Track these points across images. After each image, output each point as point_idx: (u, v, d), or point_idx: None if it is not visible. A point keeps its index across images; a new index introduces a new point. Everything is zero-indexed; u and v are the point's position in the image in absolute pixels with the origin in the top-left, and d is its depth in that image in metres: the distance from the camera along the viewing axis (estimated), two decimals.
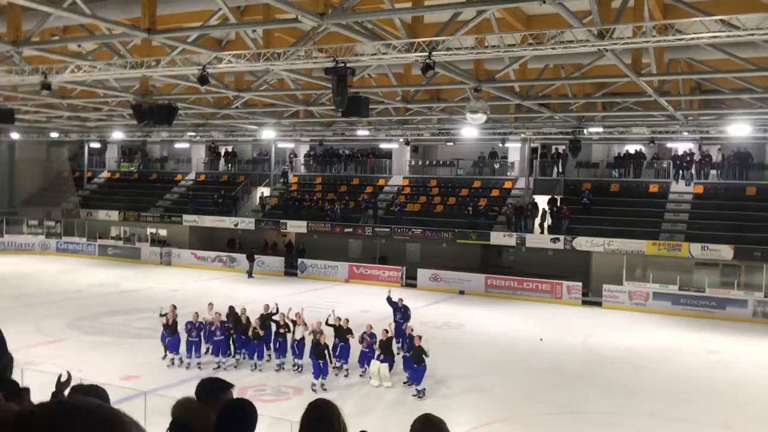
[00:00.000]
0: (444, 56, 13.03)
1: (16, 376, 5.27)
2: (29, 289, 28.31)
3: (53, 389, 4.92)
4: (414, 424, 3.28)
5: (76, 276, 32.88)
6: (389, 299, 19.84)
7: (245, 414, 3.39)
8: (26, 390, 4.38)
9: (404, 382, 16.06)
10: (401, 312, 19.50)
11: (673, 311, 27.10)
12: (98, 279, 31.90)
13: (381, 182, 38.45)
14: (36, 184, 45.99)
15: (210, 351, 17.72)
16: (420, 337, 15.81)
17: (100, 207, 41.93)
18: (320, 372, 15.93)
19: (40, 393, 5.20)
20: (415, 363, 15.56)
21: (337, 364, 16.86)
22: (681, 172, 31.99)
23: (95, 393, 3.93)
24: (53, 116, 29.16)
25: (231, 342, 17.60)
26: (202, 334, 17.44)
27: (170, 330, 17.24)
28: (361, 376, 16.74)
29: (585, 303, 28.96)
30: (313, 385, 15.85)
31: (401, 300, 19.91)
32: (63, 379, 4.90)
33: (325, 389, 15.68)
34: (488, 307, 27.73)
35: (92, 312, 23.98)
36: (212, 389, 3.80)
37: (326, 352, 16.10)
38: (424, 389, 15.44)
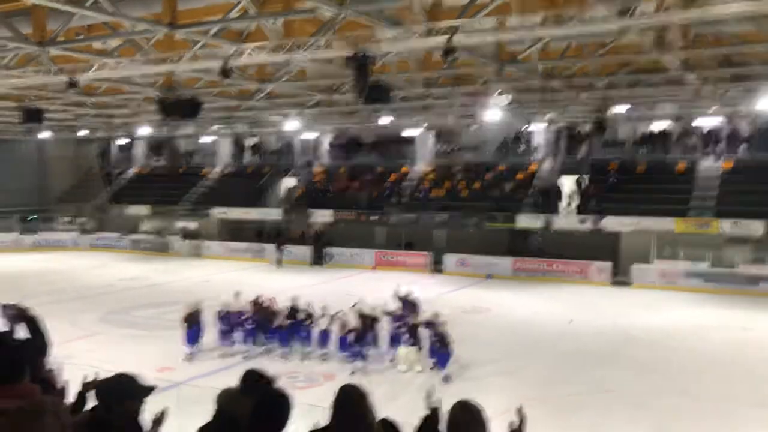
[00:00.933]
0: (465, 40, 12.96)
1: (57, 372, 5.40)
2: (63, 284, 28.87)
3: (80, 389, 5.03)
4: (452, 410, 3.33)
5: (109, 270, 33.45)
6: (398, 296, 18.94)
7: (281, 405, 3.46)
8: (62, 388, 4.50)
9: (430, 368, 16.11)
10: (410, 307, 18.51)
11: (705, 289, 26.80)
12: (130, 273, 32.42)
13: (405, 169, 38.41)
14: (67, 182, 46.80)
15: (240, 341, 17.97)
16: (445, 323, 15.84)
17: (130, 202, 42.57)
18: (357, 356, 16.23)
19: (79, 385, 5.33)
20: (441, 348, 15.62)
21: (363, 351, 16.96)
22: (709, 148, 31.50)
23: (120, 384, 4.00)
24: (81, 114, 29.55)
25: (259, 332, 17.84)
26: (232, 322, 17.71)
27: (188, 323, 17.48)
28: (391, 361, 16.85)
29: (614, 283, 28.77)
30: (353, 370, 16.08)
31: (410, 293, 19.06)
32: (88, 380, 4.99)
33: (364, 373, 15.92)
34: (516, 290, 27.67)
35: (125, 306, 24.42)
36: (256, 381, 3.89)
37: (363, 336, 16.33)
38: (450, 374, 15.50)
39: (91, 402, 5.00)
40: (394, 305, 18.34)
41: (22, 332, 4.98)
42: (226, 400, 3.87)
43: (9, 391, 3.07)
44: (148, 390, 3.99)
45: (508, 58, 16.92)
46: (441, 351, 15.63)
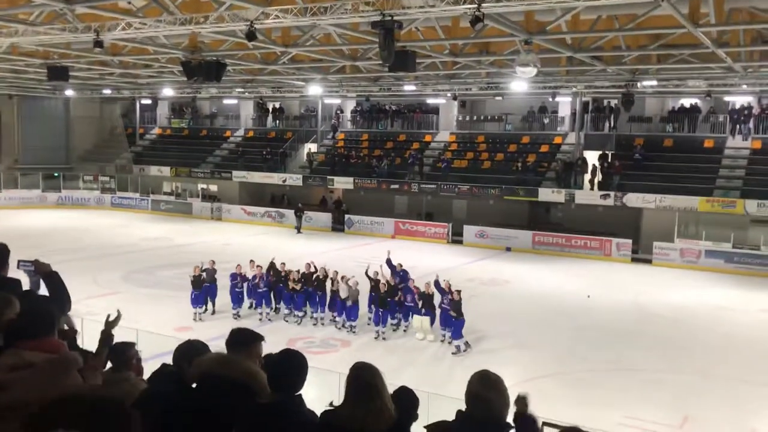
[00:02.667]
0: (493, 8, 12.75)
1: (76, 324, 5.47)
2: (86, 242, 29.25)
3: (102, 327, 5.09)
4: (471, 380, 3.31)
5: (130, 230, 33.81)
6: (389, 261, 18.60)
7: (298, 362, 3.50)
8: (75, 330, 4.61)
9: (441, 340, 16.12)
10: (400, 276, 18.12)
11: (726, 269, 26.54)
12: (151, 233, 32.75)
13: (428, 138, 38.19)
14: (90, 141, 47.17)
15: (254, 305, 18.20)
16: (459, 292, 15.84)
17: (152, 163, 42.83)
18: (380, 320, 16.48)
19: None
20: (453, 317, 15.70)
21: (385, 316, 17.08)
22: (738, 126, 30.94)
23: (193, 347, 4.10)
24: (105, 73, 29.63)
25: (273, 295, 18.10)
26: (245, 285, 17.99)
27: (195, 286, 17.75)
28: (404, 330, 16.95)
29: (634, 260, 28.58)
30: (377, 334, 16.37)
31: (400, 265, 18.59)
32: (111, 318, 5.06)
33: (385, 338, 16.15)
34: (535, 264, 27.59)
35: (146, 265, 24.72)
36: (245, 338, 3.94)
37: (387, 300, 16.53)
38: (463, 344, 15.55)
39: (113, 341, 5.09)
40: (387, 271, 18.06)
41: (40, 289, 5.05)
42: (209, 364, 3.90)
43: (38, 345, 3.14)
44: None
45: (536, 29, 16.63)
46: (454, 320, 15.70)
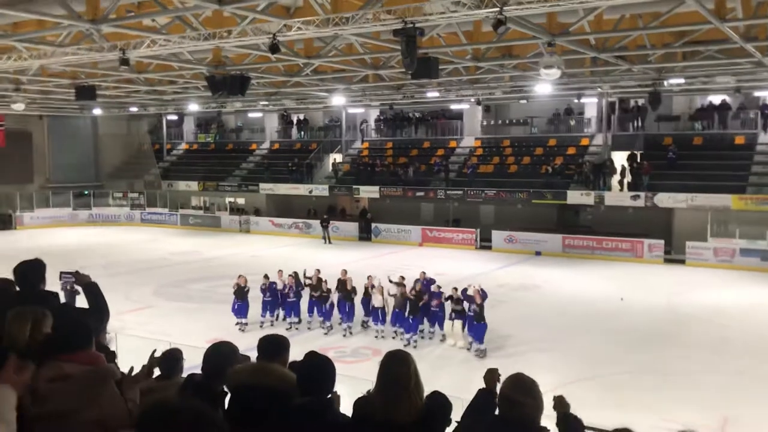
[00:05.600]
0: (515, 10, 12.69)
1: (110, 340, 5.54)
2: (117, 258, 29.63)
3: (145, 356, 5.14)
4: (504, 383, 3.28)
5: (160, 245, 34.19)
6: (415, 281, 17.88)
7: (325, 365, 3.51)
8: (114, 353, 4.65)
9: (467, 348, 15.98)
10: (424, 284, 17.61)
11: (762, 267, 26.01)
12: (181, 248, 33.09)
13: (452, 144, 38.13)
14: (119, 158, 47.89)
15: (283, 315, 18.32)
16: (479, 294, 15.72)
17: (179, 178, 43.33)
18: (411, 328, 16.43)
19: (134, 356, 5.46)
20: (475, 321, 15.60)
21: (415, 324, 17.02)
22: None
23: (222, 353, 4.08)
24: (132, 91, 30.06)
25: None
26: (275, 294, 18.08)
27: (239, 296, 17.86)
28: (431, 338, 16.88)
29: (667, 261, 28.16)
30: (407, 341, 16.23)
31: (423, 274, 18.14)
32: (157, 355, 5.11)
33: (416, 346, 16.02)
34: (566, 267, 27.32)
35: (176, 279, 24.95)
36: (278, 345, 3.95)
37: (418, 306, 16.46)
38: (485, 349, 15.46)
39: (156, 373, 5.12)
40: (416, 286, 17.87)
41: (74, 300, 5.13)
42: (245, 375, 3.89)
43: (77, 357, 3.18)
44: (246, 359, 4.11)
45: (559, 30, 16.51)
46: (476, 323, 15.63)
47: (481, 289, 16.00)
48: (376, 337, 17.00)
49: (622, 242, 29.22)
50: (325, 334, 17.40)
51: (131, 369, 3.98)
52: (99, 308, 4.67)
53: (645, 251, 28.63)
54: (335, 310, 17.80)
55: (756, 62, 20.98)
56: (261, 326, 17.70)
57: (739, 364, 15.16)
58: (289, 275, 18.26)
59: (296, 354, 4.10)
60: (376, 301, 17.12)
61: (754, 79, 25.24)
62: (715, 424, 11.63)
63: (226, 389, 3.88)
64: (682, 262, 27.76)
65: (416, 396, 3.20)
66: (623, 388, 13.75)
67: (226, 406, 3.93)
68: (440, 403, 3.34)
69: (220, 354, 3.98)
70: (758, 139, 30.48)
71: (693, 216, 28.39)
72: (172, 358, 4.98)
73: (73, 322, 3.61)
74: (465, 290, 16.26)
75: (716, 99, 32.41)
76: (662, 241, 28.60)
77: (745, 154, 30.20)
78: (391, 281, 17.57)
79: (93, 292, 4.75)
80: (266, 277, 18.30)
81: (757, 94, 30.70)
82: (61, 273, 5.21)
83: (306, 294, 18.10)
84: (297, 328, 17.79)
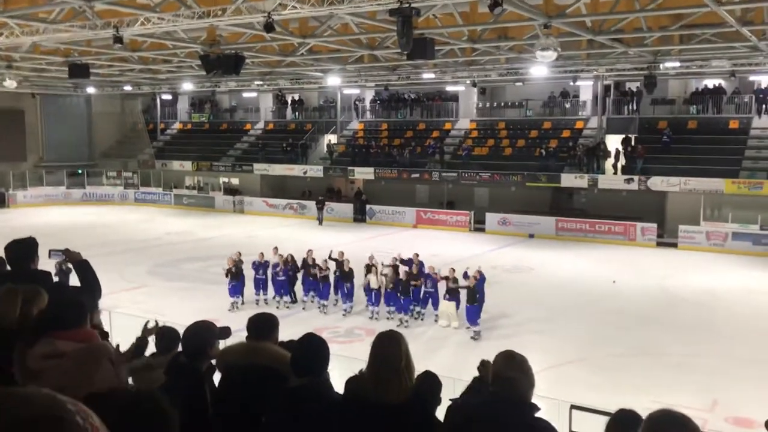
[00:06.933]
0: None
1: (104, 317, 5.56)
2: (111, 237, 29.58)
3: (138, 333, 5.17)
4: (496, 360, 3.31)
5: (154, 225, 34.14)
6: (402, 261, 17.88)
7: (319, 346, 3.54)
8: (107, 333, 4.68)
9: (467, 327, 16.04)
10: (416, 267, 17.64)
11: (754, 252, 26.17)
12: (175, 227, 33.04)
13: (447, 126, 38.05)
14: (113, 137, 47.64)
15: (273, 294, 18.37)
16: (475, 278, 15.77)
17: (173, 158, 43.17)
18: (402, 308, 16.56)
19: (128, 334, 5.49)
20: (468, 302, 15.69)
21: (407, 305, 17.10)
22: (764, 106, 30.42)
23: (202, 330, 4.07)
24: (126, 69, 29.87)
25: (290, 286, 18.27)
26: (268, 272, 18.15)
27: (232, 276, 17.90)
28: (422, 318, 16.97)
29: (660, 244, 28.29)
30: (399, 321, 16.35)
31: (416, 255, 18.08)
32: (150, 325, 5.14)
33: (407, 326, 16.10)
34: (559, 250, 27.41)
35: (171, 259, 24.95)
36: (268, 324, 3.98)
37: (410, 288, 16.54)
38: (480, 331, 15.55)
39: (150, 347, 5.15)
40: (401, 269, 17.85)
41: (68, 279, 5.15)
42: (234, 355, 3.91)
43: (71, 335, 3.18)
44: (226, 333, 4.11)
45: (555, 12, 16.45)
46: (468, 305, 15.74)
47: (480, 272, 16.03)
48: (371, 318, 17.08)
49: (615, 225, 29.32)
50: (324, 314, 17.48)
51: (117, 346, 4.00)
52: (90, 286, 4.68)
53: (638, 234, 28.75)
54: (333, 291, 17.92)
55: (751, 46, 20.96)
56: (257, 304, 17.78)
57: (730, 347, 15.30)
58: (279, 254, 18.35)
59: (291, 334, 4.13)
60: (372, 282, 17.17)
61: (749, 63, 25.22)
62: (705, 406, 11.76)
63: (213, 366, 3.90)
64: (674, 245, 27.89)
65: (407, 376, 3.24)
66: (614, 369, 13.88)
67: (217, 384, 3.95)
68: (430, 383, 3.37)
69: (198, 333, 3.97)
70: (752, 124, 30.52)
71: (686, 200, 28.50)
72: (169, 335, 5.01)
73: (67, 300, 3.62)
74: (465, 273, 16.27)
75: (711, 83, 32.40)
76: (655, 225, 28.71)
77: (739, 139, 30.26)
78: (384, 264, 17.56)
79: (84, 269, 4.75)
80: (262, 255, 18.35)
81: (752, 78, 30.71)
82: (51, 251, 5.19)
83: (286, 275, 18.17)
84: (288, 307, 17.87)
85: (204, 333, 3.96)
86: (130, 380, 4.38)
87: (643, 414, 2.91)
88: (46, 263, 5.47)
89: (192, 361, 3.78)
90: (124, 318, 10.69)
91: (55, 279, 5.60)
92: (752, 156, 29.09)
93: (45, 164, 43.26)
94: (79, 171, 43.59)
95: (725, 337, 16.11)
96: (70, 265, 5.14)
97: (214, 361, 3.92)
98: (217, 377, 4.02)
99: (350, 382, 3.36)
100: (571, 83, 32.26)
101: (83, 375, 2.80)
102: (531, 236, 30.45)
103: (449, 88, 37.02)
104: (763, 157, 28.83)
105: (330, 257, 18.23)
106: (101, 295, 4.83)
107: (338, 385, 3.63)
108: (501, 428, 3.07)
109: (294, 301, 18.31)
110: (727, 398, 12.20)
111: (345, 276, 17.59)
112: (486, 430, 3.09)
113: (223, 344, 4.17)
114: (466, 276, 16.17)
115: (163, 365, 4.07)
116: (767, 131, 29.95)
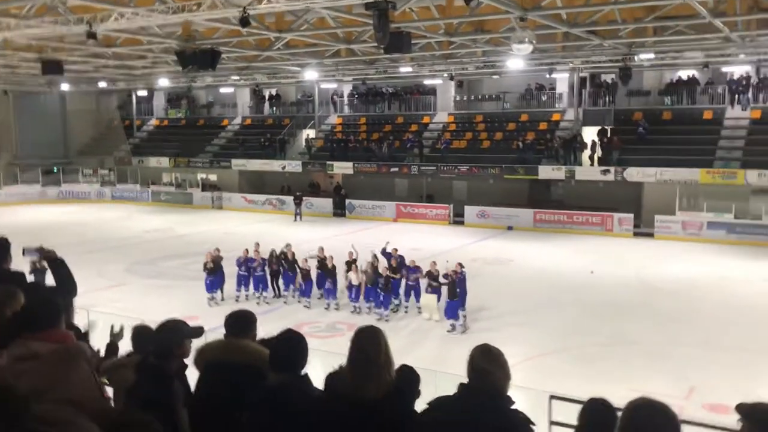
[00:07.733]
0: None
1: (82, 316, 5.51)
2: (89, 235, 29.26)
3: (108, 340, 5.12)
4: (472, 353, 3.34)
5: (132, 222, 33.84)
6: (383, 251, 17.89)
7: (298, 342, 3.55)
8: (86, 333, 4.63)
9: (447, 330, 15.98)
10: (398, 261, 17.76)
11: (729, 240, 26.57)
12: (153, 224, 32.78)
13: (426, 120, 38.10)
14: (88, 134, 47.11)
15: (252, 290, 18.36)
16: (456, 272, 15.82)
17: (150, 154, 42.80)
18: (381, 303, 16.59)
19: (105, 333, 5.44)
20: (448, 297, 15.74)
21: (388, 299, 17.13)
22: (737, 96, 30.83)
23: (171, 329, 4.02)
24: (100, 65, 29.52)
25: (273, 280, 18.29)
26: (250, 268, 18.14)
27: (210, 271, 17.85)
28: (405, 311, 17.02)
29: (637, 235, 28.61)
30: (379, 316, 16.42)
31: (395, 250, 18.02)
32: (116, 330, 5.09)
33: (387, 320, 16.17)
34: (537, 241, 27.61)
35: (149, 256, 24.76)
36: (246, 321, 3.97)
37: (389, 285, 16.61)
38: (459, 324, 15.57)
39: (123, 349, 5.11)
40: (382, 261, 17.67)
41: (44, 277, 5.09)
42: (216, 352, 3.90)
43: (46, 336, 3.15)
44: (198, 332, 4.04)
45: (531, 5, 16.53)
46: (448, 300, 15.77)
47: (461, 268, 16.05)
48: (352, 312, 17.09)
49: (592, 216, 29.58)
50: (308, 308, 17.46)
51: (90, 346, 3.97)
52: (65, 284, 4.63)
53: (615, 225, 29.04)
54: (314, 287, 17.90)
55: (724, 37, 21.22)
56: (237, 300, 17.72)
57: (706, 334, 15.53)
58: (256, 251, 18.34)
59: (274, 329, 4.12)
60: (353, 279, 17.17)
61: (721, 54, 25.54)
62: (682, 393, 11.93)
63: (185, 365, 3.87)
64: (651, 235, 28.21)
65: (386, 371, 3.25)
66: (593, 359, 14.03)
67: (194, 382, 3.93)
68: (409, 377, 3.39)
69: (164, 333, 3.93)
70: (725, 114, 30.92)
71: (662, 190, 28.82)
72: (144, 334, 4.97)
73: (41, 300, 3.57)
74: (446, 275, 16.21)
75: (685, 74, 32.76)
76: (632, 215, 29.02)
77: (713, 129, 30.64)
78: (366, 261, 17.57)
79: (59, 267, 4.70)
80: (246, 251, 18.31)
81: (724, 69, 31.10)
82: (24, 249, 5.12)
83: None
84: (267, 302, 17.83)
85: (170, 333, 3.90)
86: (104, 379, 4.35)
87: (622, 403, 2.96)
88: (21, 262, 5.41)
89: (160, 362, 3.75)
90: (102, 317, 10.59)
91: (30, 278, 5.53)
92: (726, 146, 29.47)
93: (19, 162, 42.64)
94: (55, 169, 43.03)
95: (701, 325, 16.35)
96: (45, 264, 5.07)
97: (187, 360, 3.89)
98: (195, 375, 4.01)
99: (330, 378, 3.37)
100: (547, 76, 32.43)
101: (59, 377, 2.78)
102: (510, 228, 30.63)
103: (427, 82, 37.05)
104: (737, 147, 29.24)
105: (308, 258, 18.19)
106: (77, 294, 4.78)
107: (318, 381, 3.65)
108: (477, 421, 3.10)
109: (277, 295, 18.25)
110: (704, 385, 12.38)
111: (328, 273, 17.57)
112: (462, 424, 3.12)
113: (201, 341, 4.15)
114: (446, 277, 16.07)
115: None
116: (740, 121, 30.35)
